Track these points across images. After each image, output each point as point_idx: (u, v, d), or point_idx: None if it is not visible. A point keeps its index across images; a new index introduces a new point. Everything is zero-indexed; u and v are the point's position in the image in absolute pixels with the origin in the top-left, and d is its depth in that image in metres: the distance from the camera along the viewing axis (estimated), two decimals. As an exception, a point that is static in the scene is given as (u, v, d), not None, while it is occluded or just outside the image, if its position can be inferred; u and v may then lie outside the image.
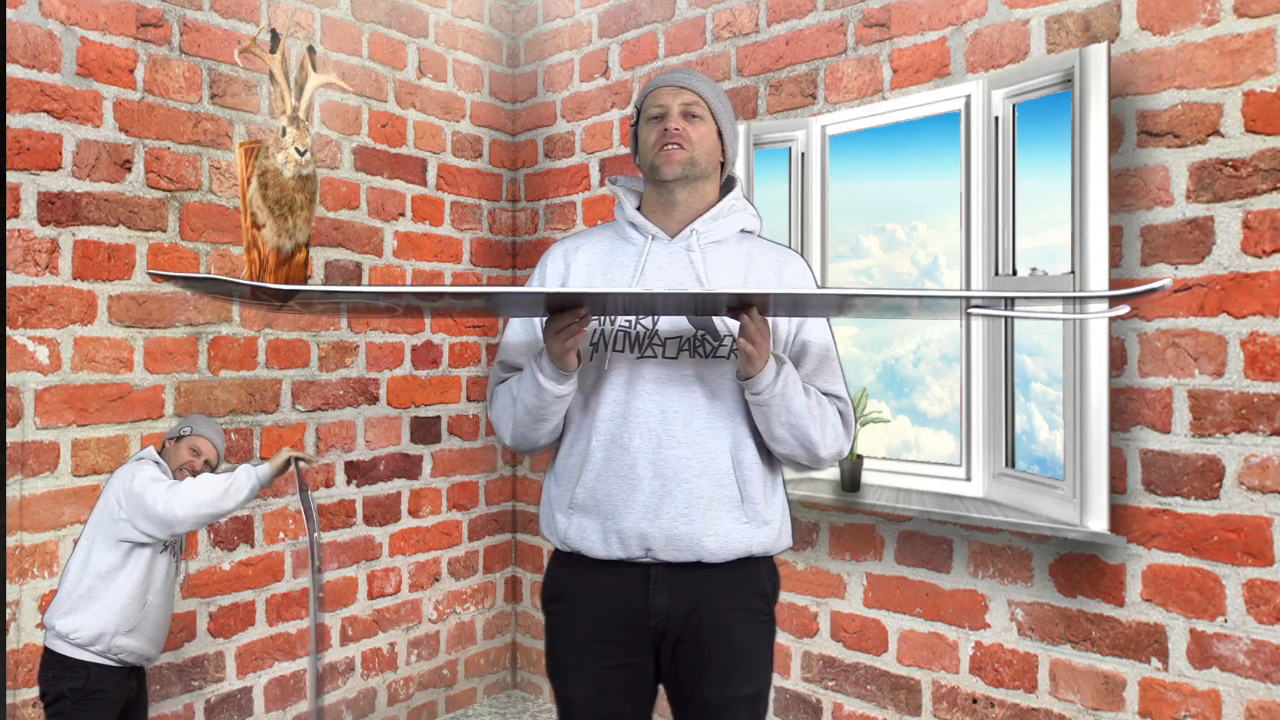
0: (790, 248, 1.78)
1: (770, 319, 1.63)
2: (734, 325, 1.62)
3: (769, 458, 1.68)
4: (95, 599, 2.17)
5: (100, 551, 2.20)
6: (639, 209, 1.73)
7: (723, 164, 1.74)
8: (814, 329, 1.69)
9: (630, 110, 1.74)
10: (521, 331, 1.74)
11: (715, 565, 1.62)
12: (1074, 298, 1.94)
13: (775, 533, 1.67)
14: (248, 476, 2.23)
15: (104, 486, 2.26)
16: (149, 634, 2.24)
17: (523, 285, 1.81)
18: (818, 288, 1.75)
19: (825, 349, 1.69)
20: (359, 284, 3.22)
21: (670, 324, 1.63)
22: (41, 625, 2.29)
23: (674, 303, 1.54)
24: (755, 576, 1.68)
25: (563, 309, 1.53)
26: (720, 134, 1.70)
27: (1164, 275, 2.17)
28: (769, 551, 1.67)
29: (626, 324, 1.64)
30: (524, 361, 1.70)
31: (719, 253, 1.68)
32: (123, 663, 2.22)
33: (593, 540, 1.63)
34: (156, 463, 2.30)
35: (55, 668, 2.19)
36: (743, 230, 1.73)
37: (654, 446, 1.60)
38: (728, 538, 1.61)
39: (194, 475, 2.31)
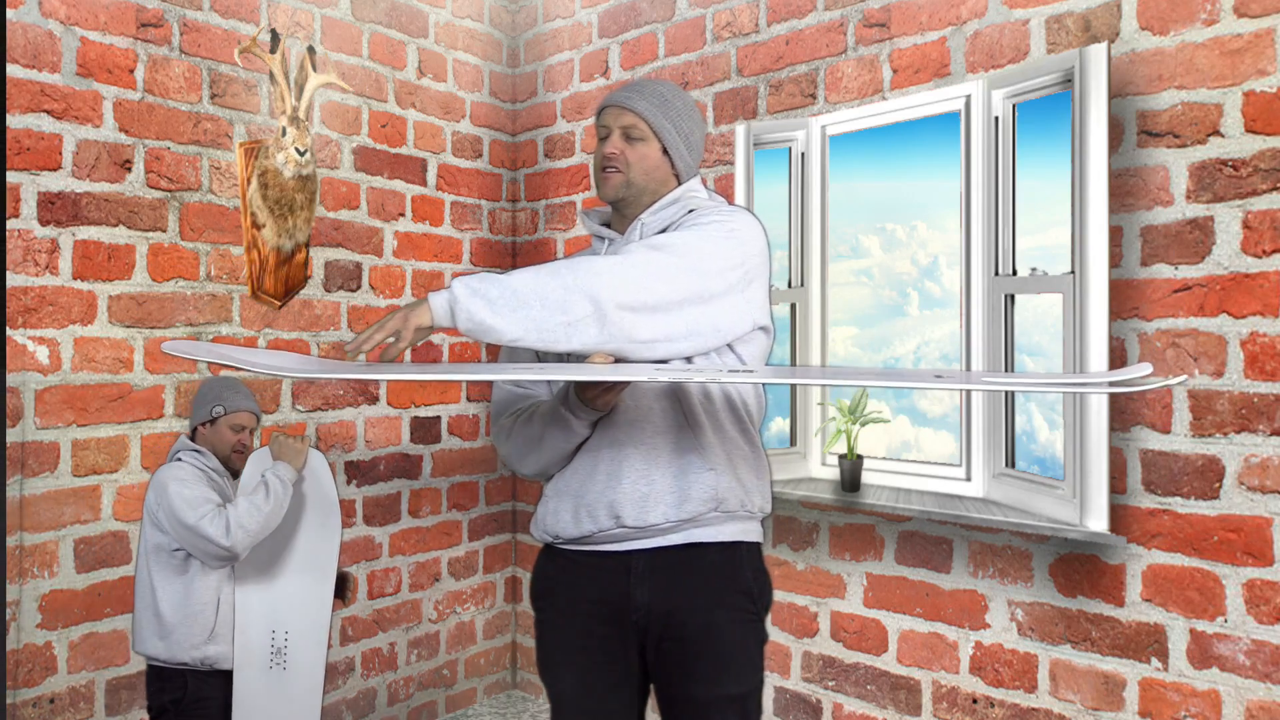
0: (740, 208, 1.75)
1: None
2: None
3: (726, 413, 1.66)
4: (171, 618, 2.15)
5: (160, 569, 2.17)
6: (608, 225, 1.77)
7: (678, 175, 1.72)
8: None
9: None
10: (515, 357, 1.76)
11: (698, 555, 1.61)
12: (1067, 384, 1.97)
13: (738, 485, 1.64)
14: (283, 488, 2.18)
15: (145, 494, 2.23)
16: (230, 636, 2.21)
17: None
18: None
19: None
20: (359, 283, 3.23)
21: None
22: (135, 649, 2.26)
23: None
24: (738, 574, 1.66)
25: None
26: (666, 151, 1.70)
27: (1164, 274, 2.17)
28: (740, 503, 1.64)
29: None
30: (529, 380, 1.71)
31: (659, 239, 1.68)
32: (216, 669, 2.19)
33: (565, 520, 1.64)
34: (197, 451, 2.26)
35: (156, 680, 2.19)
36: (691, 210, 1.70)
37: (608, 421, 1.62)
38: (691, 489, 1.59)
39: (245, 452, 2.28)
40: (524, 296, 1.44)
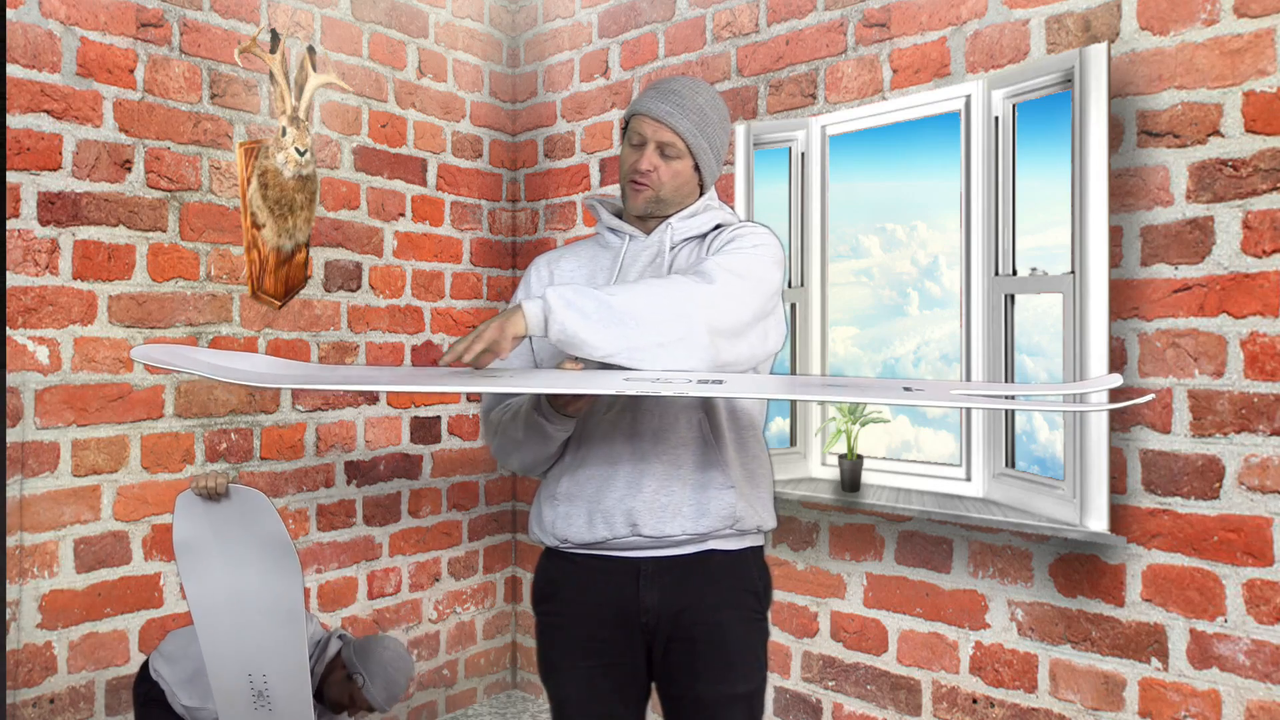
0: (759, 223, 1.76)
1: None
2: None
3: (748, 430, 1.69)
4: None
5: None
6: (618, 215, 1.78)
7: (702, 185, 1.74)
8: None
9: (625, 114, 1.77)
10: (512, 357, 1.76)
11: (706, 559, 1.63)
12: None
13: (754, 504, 1.67)
14: None
15: None
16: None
17: (516, 287, 1.83)
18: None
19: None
20: (359, 283, 3.22)
21: None
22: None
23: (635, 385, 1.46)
24: (746, 574, 1.68)
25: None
26: (697, 167, 1.71)
27: (1164, 274, 2.17)
28: (754, 523, 1.67)
29: None
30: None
31: (686, 249, 1.71)
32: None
33: (578, 524, 1.64)
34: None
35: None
36: (718, 225, 1.73)
37: (629, 424, 1.62)
38: (710, 505, 1.61)
39: (339, 713, 2.28)
40: (619, 314, 1.43)
